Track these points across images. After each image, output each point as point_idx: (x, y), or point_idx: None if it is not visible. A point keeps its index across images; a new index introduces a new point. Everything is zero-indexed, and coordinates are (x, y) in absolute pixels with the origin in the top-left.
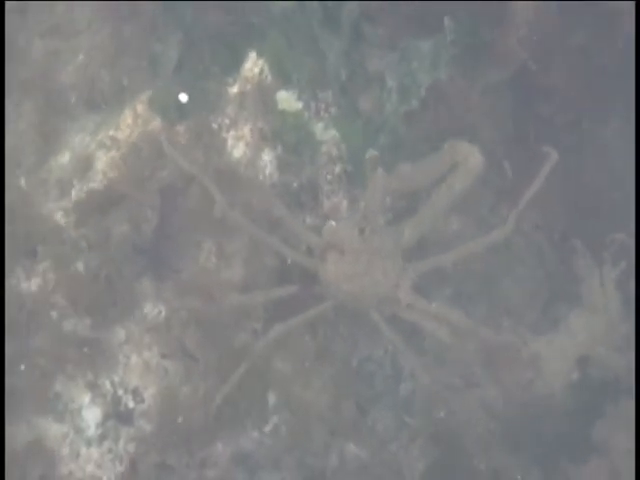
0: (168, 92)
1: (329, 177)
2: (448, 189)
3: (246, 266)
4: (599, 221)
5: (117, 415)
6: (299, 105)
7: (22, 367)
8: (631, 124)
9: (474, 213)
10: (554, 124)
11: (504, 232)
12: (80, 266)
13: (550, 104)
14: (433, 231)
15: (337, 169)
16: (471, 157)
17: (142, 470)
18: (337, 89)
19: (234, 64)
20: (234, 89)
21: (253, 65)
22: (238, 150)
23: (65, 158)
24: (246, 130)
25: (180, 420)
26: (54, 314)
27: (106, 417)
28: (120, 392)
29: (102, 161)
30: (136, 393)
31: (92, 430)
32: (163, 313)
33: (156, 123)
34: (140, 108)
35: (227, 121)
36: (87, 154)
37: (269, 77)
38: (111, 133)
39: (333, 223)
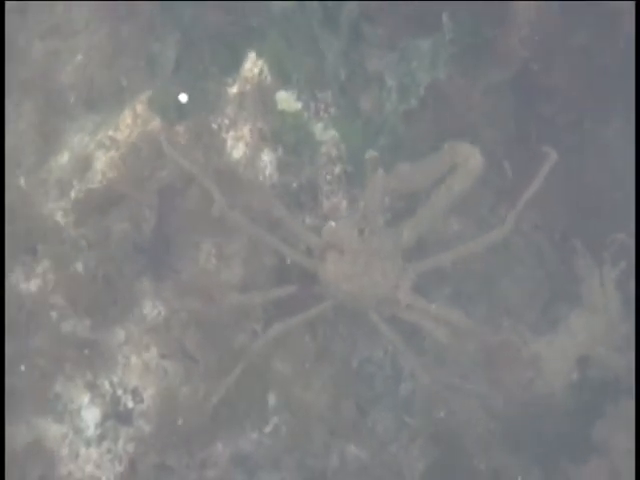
0: (167, 92)
1: (329, 177)
2: (447, 190)
3: (245, 266)
4: (599, 221)
5: (116, 415)
6: (298, 105)
7: (22, 367)
8: (632, 124)
9: (474, 213)
10: (555, 124)
11: (503, 232)
12: (79, 266)
13: (551, 104)
14: (433, 231)
15: (337, 169)
16: (471, 159)
17: (141, 470)
18: (336, 89)
19: (233, 64)
20: (234, 89)
21: (253, 65)
22: (238, 150)
23: (64, 158)
24: (246, 130)
25: (180, 421)
26: (54, 314)
27: (105, 417)
28: (119, 392)
29: (101, 161)
30: (135, 393)
31: (91, 430)
32: (162, 314)
33: (155, 123)
34: (139, 108)
35: (227, 121)
36: (86, 154)
37: (269, 77)
38: (110, 133)
39: (332, 223)
